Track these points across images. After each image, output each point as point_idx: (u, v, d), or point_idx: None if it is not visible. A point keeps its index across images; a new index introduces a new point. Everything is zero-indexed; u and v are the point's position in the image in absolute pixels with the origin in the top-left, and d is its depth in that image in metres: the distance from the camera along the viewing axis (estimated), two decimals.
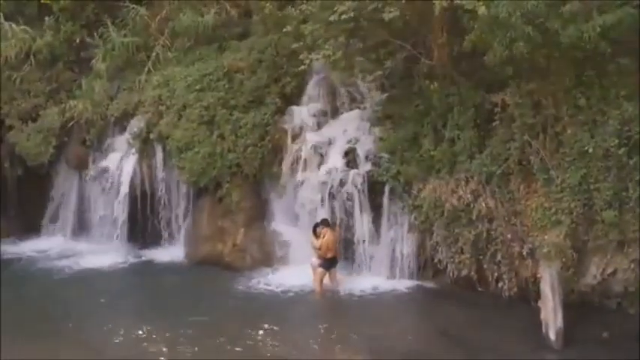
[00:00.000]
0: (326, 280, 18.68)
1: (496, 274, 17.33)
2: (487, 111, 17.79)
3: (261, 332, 16.40)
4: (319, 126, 21.04)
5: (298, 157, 20.16)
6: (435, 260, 18.37)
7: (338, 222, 19.22)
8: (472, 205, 17.40)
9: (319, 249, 18.44)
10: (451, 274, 18.06)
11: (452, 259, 17.95)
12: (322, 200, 19.41)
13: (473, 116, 17.89)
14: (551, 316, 15.50)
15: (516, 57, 15.99)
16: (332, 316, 17.91)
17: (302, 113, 21.22)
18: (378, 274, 19.09)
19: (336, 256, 18.68)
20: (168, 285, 19.65)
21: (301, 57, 18.76)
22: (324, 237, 18.45)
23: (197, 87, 21.15)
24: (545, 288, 15.81)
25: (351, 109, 21.35)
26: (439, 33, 17.84)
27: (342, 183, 19.30)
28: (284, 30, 19.53)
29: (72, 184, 22.84)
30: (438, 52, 17.95)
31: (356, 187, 19.15)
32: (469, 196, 17.43)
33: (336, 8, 17.08)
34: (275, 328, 16.68)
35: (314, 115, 21.20)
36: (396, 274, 18.98)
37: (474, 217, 17.33)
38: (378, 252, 19.20)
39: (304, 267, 19.35)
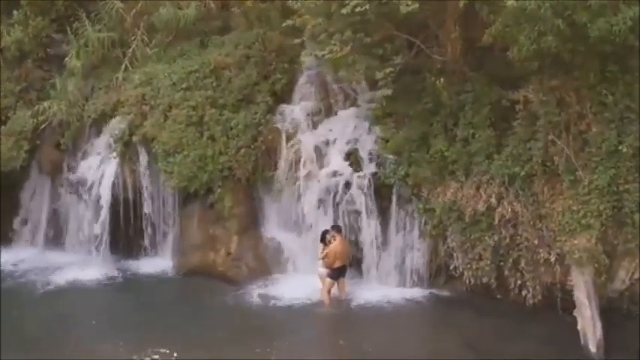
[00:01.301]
0: (334, 290, 17.51)
1: (519, 282, 16.38)
2: (504, 108, 16.81)
3: (269, 350, 15.25)
4: (314, 125, 19.85)
5: (296, 160, 18.91)
6: (451, 267, 17.37)
7: (343, 228, 18.04)
8: (493, 209, 16.41)
9: (326, 258, 17.24)
10: (467, 282, 17.07)
11: (469, 266, 16.98)
12: (325, 206, 18.22)
13: (488, 114, 16.91)
14: (590, 327, 14.71)
15: (544, 51, 15.05)
16: (345, 330, 16.70)
17: (294, 112, 20.03)
18: (387, 282, 18.09)
19: (346, 265, 17.51)
20: (158, 300, 18.19)
21: (303, 53, 17.50)
22: (330, 244, 17.27)
23: (183, 85, 19.74)
24: (581, 296, 15.00)
25: (345, 107, 20.23)
26: (452, 27, 16.81)
27: (346, 187, 18.14)
28: (284, 24, 18.13)
29: (44, 190, 21.16)
30: (451, 46, 16.89)
31: (362, 190, 18.04)
32: (491, 199, 16.41)
33: (347, 1, 15.82)
34: (286, 344, 15.58)
35: (308, 114, 20.01)
36: (406, 282, 17.98)
37: (495, 222, 16.37)
38: (387, 259, 18.15)
39: (305, 276, 18.34)
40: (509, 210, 16.19)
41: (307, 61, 20.46)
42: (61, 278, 19.06)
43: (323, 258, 17.34)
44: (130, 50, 21.01)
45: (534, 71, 16.14)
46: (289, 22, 18.01)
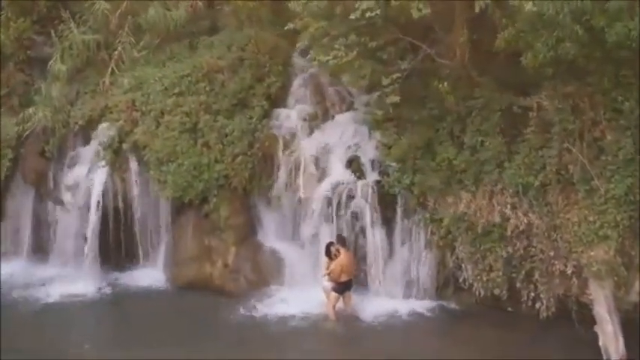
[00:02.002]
0: (339, 303, 16.89)
1: (532, 294, 15.89)
2: (513, 115, 16.27)
3: None
4: (311, 130, 19.18)
5: (295, 167, 18.22)
6: (460, 279, 16.84)
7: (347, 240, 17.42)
8: (506, 220, 15.88)
9: (331, 272, 16.61)
10: (477, 293, 16.55)
11: (479, 277, 16.46)
12: (328, 216, 17.57)
13: (498, 121, 16.35)
14: (612, 343, 14.30)
15: (561, 58, 14.52)
16: (353, 345, 16.15)
17: (290, 117, 19.37)
18: (393, 295, 17.47)
19: (351, 279, 16.88)
20: (153, 315, 17.35)
21: (308, 58, 16.78)
22: (335, 257, 16.64)
23: (175, 90, 18.94)
24: (602, 311, 14.56)
25: (342, 111, 19.61)
26: (460, 30, 16.21)
27: (349, 196, 17.48)
28: (286, 27, 17.34)
29: (28, 200, 20.13)
30: (459, 51, 16.30)
31: (366, 200, 17.40)
32: (504, 209, 15.87)
33: (357, 5, 15.13)
34: None
35: (304, 119, 19.34)
36: (413, 294, 17.40)
37: (508, 233, 15.83)
38: (392, 270, 17.54)
39: (306, 288, 17.74)
40: (524, 221, 15.65)
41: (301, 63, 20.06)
42: (51, 293, 18.10)
43: (329, 273, 16.69)
44: (116, 53, 20.07)
45: (547, 77, 15.62)
46: (290, 25, 17.17)
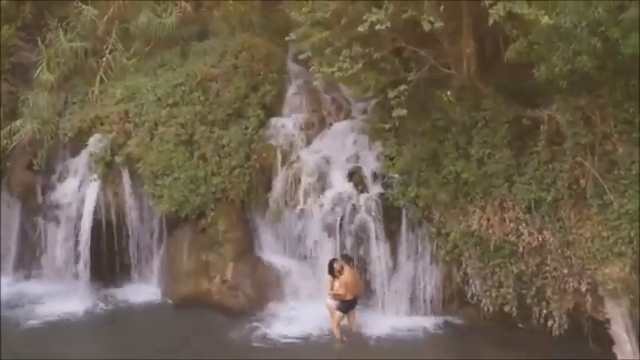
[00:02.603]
0: (344, 321, 16.43)
1: (544, 311, 15.50)
2: (521, 127, 15.86)
3: None
4: (308, 140, 18.68)
5: (295, 180, 17.71)
6: (467, 294, 16.42)
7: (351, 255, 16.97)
8: (517, 236, 15.48)
9: (338, 292, 16.15)
10: (485, 309, 16.17)
11: (487, 294, 16.07)
12: (330, 231, 17.09)
13: (506, 133, 15.93)
14: None
15: (577, 71, 14.13)
16: None
17: (287, 126, 18.87)
18: (398, 311, 17.07)
19: (357, 297, 16.42)
20: (152, 335, 16.74)
21: (310, 70, 16.23)
22: (338, 275, 16.16)
23: (169, 101, 18.34)
24: (619, 331, 14.30)
25: (339, 119, 19.15)
26: (467, 41, 15.78)
27: (353, 209, 17.00)
28: (287, 38, 16.76)
29: (14, 214, 19.43)
30: (466, 61, 15.87)
31: (370, 214, 16.93)
32: (514, 225, 15.48)
33: (365, 17, 14.60)
34: None
35: (301, 128, 18.83)
36: (418, 310, 17.01)
37: (520, 249, 15.42)
38: (397, 286, 17.13)
39: (307, 304, 17.38)
40: (537, 237, 15.25)
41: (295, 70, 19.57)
42: (43, 312, 17.51)
43: (334, 294, 16.21)
44: (104, 60, 19.35)
45: (558, 89, 15.22)
46: (291, 36, 16.60)
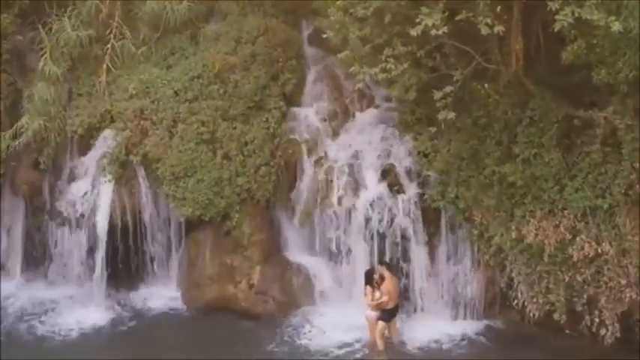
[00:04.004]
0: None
1: (597, 319, 14.96)
2: (572, 128, 15.11)
3: None
4: (334, 132, 17.74)
5: (327, 180, 16.78)
6: (512, 299, 15.82)
7: (389, 260, 16.21)
8: (569, 243, 14.81)
9: (380, 301, 15.43)
10: (531, 315, 15.61)
11: (533, 299, 15.48)
12: (367, 236, 16.29)
13: (555, 134, 15.15)
14: None
15: None
16: None
17: (309, 117, 17.92)
18: (439, 316, 16.45)
19: (398, 305, 15.72)
20: (182, 347, 15.93)
21: (351, 70, 15.14)
22: (378, 284, 15.42)
23: (188, 96, 17.11)
24: None
25: (362, 108, 18.19)
26: (517, 38, 14.84)
27: (391, 213, 16.18)
28: (324, 36, 15.58)
29: (18, 215, 18.20)
30: (514, 57, 14.94)
31: (409, 216, 16.13)
32: (568, 233, 14.80)
33: (419, 19, 13.52)
34: None
35: (324, 119, 17.85)
36: (459, 315, 16.42)
37: (574, 258, 14.76)
38: (437, 290, 16.50)
39: (340, 309, 16.69)
40: (592, 245, 14.59)
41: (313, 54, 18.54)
42: (60, 323, 16.56)
43: (377, 305, 15.46)
44: (109, 46, 17.93)
45: (613, 91, 14.47)
46: (329, 33, 15.41)
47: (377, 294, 15.41)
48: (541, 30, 15.02)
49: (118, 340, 16.28)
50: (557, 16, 12.99)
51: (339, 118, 18.01)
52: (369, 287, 15.53)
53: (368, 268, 15.87)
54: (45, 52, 17.41)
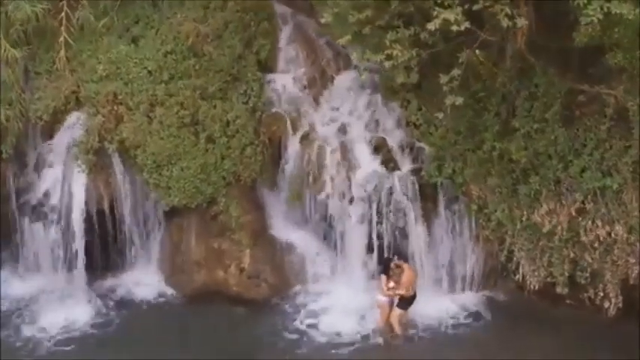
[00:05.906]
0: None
1: (600, 293, 15.11)
2: (576, 103, 14.82)
3: None
4: (314, 100, 16.90)
5: (317, 158, 16.07)
6: (512, 272, 15.83)
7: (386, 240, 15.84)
8: (576, 222, 14.76)
9: (405, 293, 15.09)
10: (531, 287, 15.64)
11: (535, 272, 15.49)
12: (363, 217, 15.81)
13: (559, 110, 14.81)
14: None
15: None
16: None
17: (287, 85, 17.00)
18: (436, 289, 16.23)
19: (416, 294, 15.33)
20: (177, 338, 15.27)
21: (353, 56, 14.22)
22: (399, 275, 15.05)
23: (164, 76, 15.83)
24: None
25: (339, 70, 17.35)
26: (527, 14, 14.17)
27: (388, 193, 15.68)
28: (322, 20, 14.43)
29: None
30: (520, 34, 14.30)
31: (406, 195, 15.67)
32: (573, 210, 14.71)
33: (435, 13, 12.65)
34: None
35: (304, 87, 16.97)
36: (458, 288, 16.32)
37: (582, 238, 14.73)
38: (435, 264, 16.22)
39: (332, 289, 16.31)
40: (603, 228, 14.57)
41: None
42: (49, 319, 15.63)
43: (402, 295, 15.10)
44: (62, 15, 16.30)
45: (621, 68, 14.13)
46: (326, 18, 14.28)
47: (391, 283, 15.06)
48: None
49: (105, 337, 15.43)
50: (584, 12, 12.44)
51: (317, 85, 17.14)
52: (384, 277, 15.13)
53: (386, 257, 15.48)
54: None
